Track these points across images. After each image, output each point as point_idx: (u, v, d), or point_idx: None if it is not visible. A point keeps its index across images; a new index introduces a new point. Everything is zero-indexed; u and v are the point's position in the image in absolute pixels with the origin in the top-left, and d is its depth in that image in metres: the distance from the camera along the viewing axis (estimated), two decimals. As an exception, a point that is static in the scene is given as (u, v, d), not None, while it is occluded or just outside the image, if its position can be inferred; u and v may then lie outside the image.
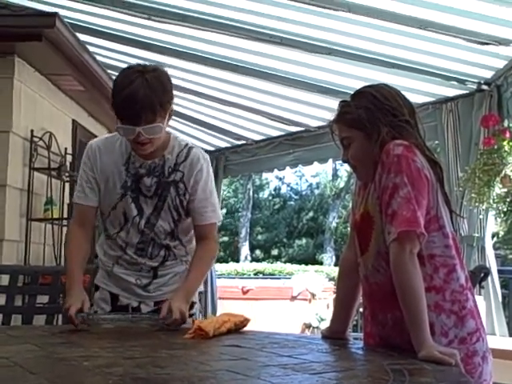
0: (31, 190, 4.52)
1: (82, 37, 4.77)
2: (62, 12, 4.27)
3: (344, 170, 27.24)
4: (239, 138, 7.16)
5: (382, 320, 1.77)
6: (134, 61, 5.16)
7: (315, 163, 6.65)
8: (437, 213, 1.74)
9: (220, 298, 7.93)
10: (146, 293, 2.33)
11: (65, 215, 4.95)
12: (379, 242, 1.74)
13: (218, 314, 4.77)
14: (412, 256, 1.64)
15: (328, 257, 24.62)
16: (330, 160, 6.99)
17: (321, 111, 5.84)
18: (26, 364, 1.41)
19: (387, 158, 1.72)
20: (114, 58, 5.70)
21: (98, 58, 5.10)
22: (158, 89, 2.07)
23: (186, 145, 2.31)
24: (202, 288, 2.44)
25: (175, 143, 2.29)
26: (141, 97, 2.03)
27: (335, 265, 20.91)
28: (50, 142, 4.79)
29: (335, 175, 27.79)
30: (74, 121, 5.58)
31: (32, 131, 4.55)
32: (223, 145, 7.50)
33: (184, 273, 2.35)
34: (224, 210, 26.99)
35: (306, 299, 9.09)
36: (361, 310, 2.00)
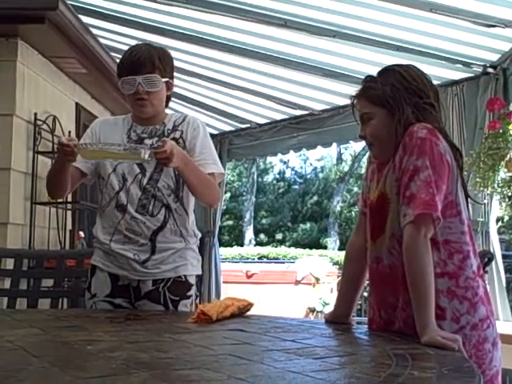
0: (35, 173, 4.53)
1: (86, 19, 4.75)
2: (64, -6, 4.24)
3: (348, 153, 27.21)
4: (243, 121, 7.14)
5: (392, 303, 1.77)
6: (137, 43, 5.12)
7: (319, 147, 6.63)
8: (455, 198, 1.74)
9: (224, 282, 7.97)
10: (145, 269, 2.33)
11: (69, 199, 4.96)
12: (394, 224, 1.74)
13: (221, 298, 4.79)
14: (425, 240, 1.64)
15: (332, 241, 24.66)
16: (334, 144, 6.96)
17: (325, 94, 5.82)
18: (29, 347, 1.42)
19: (410, 140, 1.71)
20: (117, 40, 5.68)
21: (102, 40, 5.07)
22: (159, 49, 2.37)
23: (182, 115, 2.51)
24: (199, 271, 2.46)
25: (172, 115, 2.48)
26: (142, 50, 2.33)
27: (339, 249, 20.96)
28: (53, 125, 4.79)
29: (340, 159, 27.75)
30: (77, 104, 5.57)
31: (35, 114, 4.55)
32: (227, 128, 7.48)
33: (184, 251, 2.37)
34: (228, 194, 27.03)
35: (309, 283, 9.12)
36: (365, 294, 2.00)
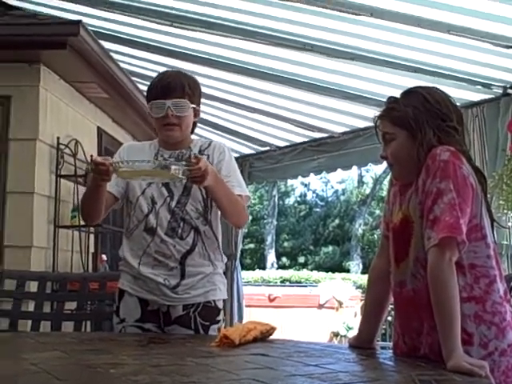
0: (58, 197, 4.59)
1: (106, 44, 4.83)
2: (85, 20, 4.33)
3: (369, 176, 27.11)
4: (263, 144, 7.16)
5: (416, 328, 1.75)
6: (158, 68, 5.23)
7: (339, 170, 6.62)
8: (480, 222, 1.72)
9: (246, 306, 7.93)
10: (175, 294, 2.33)
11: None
12: (418, 247, 1.73)
13: (244, 321, 4.77)
14: (450, 264, 1.62)
15: (355, 264, 24.48)
16: (355, 167, 6.94)
17: (345, 117, 5.82)
18: (53, 371, 1.43)
19: (433, 162, 1.71)
20: (138, 65, 5.75)
21: (122, 65, 5.15)
22: (189, 76, 2.44)
23: (207, 140, 2.57)
24: (226, 295, 2.47)
25: (197, 141, 2.52)
26: (173, 75, 2.40)
27: (362, 272, 20.80)
28: (75, 148, 4.85)
29: (361, 182, 27.68)
30: (98, 128, 5.65)
31: (58, 138, 4.63)
32: (247, 151, 7.51)
33: (212, 276, 2.39)
34: (250, 218, 26.93)
35: (333, 307, 9.04)
36: (389, 318, 1.99)
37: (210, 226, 2.41)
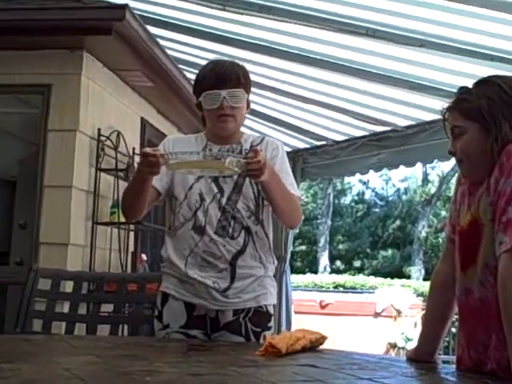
0: (97, 192, 4.66)
1: (153, 29, 4.88)
2: (131, 4, 4.37)
3: (435, 174, 26.71)
4: (318, 138, 7.12)
5: (483, 341, 1.71)
6: (206, 55, 5.25)
7: (401, 167, 6.53)
8: None
9: (295, 313, 7.93)
10: (225, 298, 2.34)
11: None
12: (488, 253, 1.69)
13: (292, 329, 4.76)
14: None
15: (416, 270, 24.19)
16: (419, 163, 6.85)
17: (410, 109, 5.74)
18: (86, 376, 1.45)
19: (508, 159, 1.66)
20: (185, 51, 5.80)
21: (169, 52, 5.20)
22: (241, 66, 2.47)
23: (259, 136, 2.60)
24: (274, 300, 2.46)
25: (248, 136, 2.55)
26: (226, 64, 2.42)
27: (424, 279, 20.53)
28: (117, 141, 4.92)
29: (425, 180, 27.28)
30: (142, 119, 5.71)
31: (99, 130, 4.69)
32: (301, 145, 7.49)
33: (263, 279, 2.40)
34: (302, 216, 26.89)
35: (390, 316, 8.99)
36: (453, 330, 1.95)
37: (262, 225, 2.42)
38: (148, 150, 2.16)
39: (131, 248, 5.33)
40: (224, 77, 2.37)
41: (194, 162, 2.19)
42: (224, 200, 2.37)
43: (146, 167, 2.17)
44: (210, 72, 2.41)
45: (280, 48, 5.23)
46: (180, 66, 5.44)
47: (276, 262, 2.51)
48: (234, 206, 2.37)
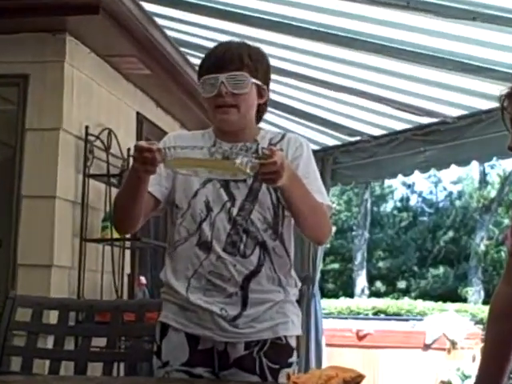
0: (86, 202, 4.68)
1: (148, 6, 4.89)
2: (123, -24, 4.39)
3: (495, 174, 26.55)
4: (352, 133, 7.12)
5: None
6: (214, 35, 5.26)
7: (453, 166, 6.51)
8: None
9: (327, 345, 7.90)
10: (235, 328, 2.33)
11: (127, 235, 5.08)
12: None
13: (323, 366, 4.74)
14: None
15: (474, 291, 24.04)
16: (475, 162, 6.82)
17: (462, 96, 5.72)
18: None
19: None
20: (189, 32, 5.81)
21: (169, 33, 5.22)
22: (252, 47, 2.47)
23: (280, 132, 2.56)
24: (300, 331, 2.46)
25: (267, 132, 2.54)
26: (230, 45, 2.44)
27: (484, 302, 20.38)
28: (109, 141, 4.95)
29: (483, 181, 27.13)
30: (138, 114, 5.74)
31: (87, 128, 4.73)
32: (330, 142, 7.48)
33: (283, 304, 2.39)
34: (333, 229, 26.77)
35: (443, 349, 8.94)
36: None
37: (282, 241, 2.41)
38: (142, 143, 2.13)
39: (127, 269, 5.35)
40: (223, 58, 2.38)
41: (197, 159, 2.14)
42: (235, 210, 2.36)
43: (141, 165, 2.14)
44: (210, 54, 2.43)
45: (302, 25, 5.23)
46: (183, 49, 5.46)
47: (299, 284, 2.49)
48: (248, 217, 2.36)
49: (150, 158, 2.11)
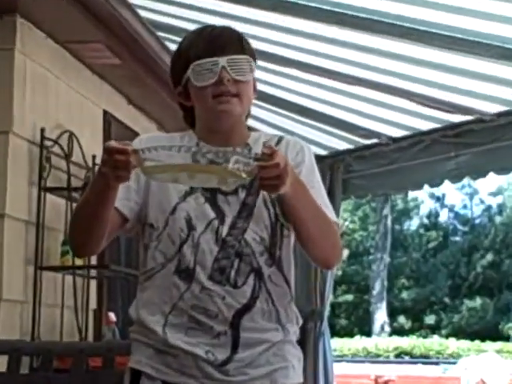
0: (42, 222, 4.66)
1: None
2: None
3: (544, 183, 26.61)
4: (368, 134, 7.12)
5: None
6: (198, 16, 5.28)
7: (491, 174, 6.51)
8: None
9: (340, 395, 7.90)
10: (224, 376, 2.31)
11: (93, 261, 5.05)
12: None
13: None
14: None
15: (519, 328, 24.05)
16: (519, 169, 6.83)
17: (502, 89, 5.73)
18: None
19: None
20: (166, 12, 5.82)
21: (143, 13, 5.21)
22: (239, 31, 2.47)
23: (276, 135, 2.57)
24: (300, 378, 2.45)
25: (260, 134, 2.55)
26: (222, 26, 2.46)
27: (531, 341, 20.35)
28: (70, 146, 4.94)
29: (530, 192, 27.21)
30: (106, 113, 5.76)
31: (42, 131, 4.72)
32: (342, 146, 7.48)
33: (281, 346, 2.38)
34: (345, 252, 26.69)
35: (481, 398, 8.94)
36: None
37: (279, 266, 2.40)
38: (114, 143, 2.07)
39: (93, 304, 5.33)
40: (222, 39, 2.40)
41: (183, 164, 2.13)
42: (225, 229, 2.34)
43: (111, 169, 2.08)
44: (199, 37, 2.43)
45: (304, 4, 5.25)
46: (160, 33, 5.46)
47: (301, 320, 2.47)
48: (241, 237, 2.34)
49: (124, 162, 2.05)
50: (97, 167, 4.89)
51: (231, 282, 2.32)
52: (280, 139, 2.49)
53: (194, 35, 2.46)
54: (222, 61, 2.34)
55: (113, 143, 2.07)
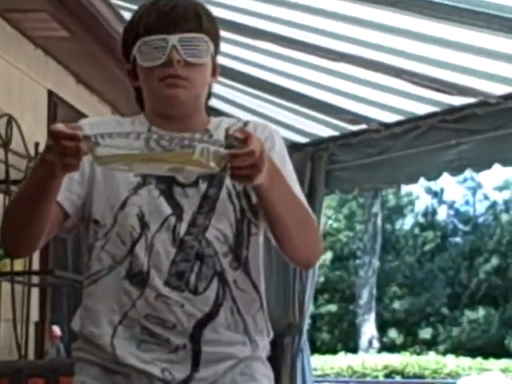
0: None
1: None
2: None
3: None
4: (354, 119, 7.15)
5: None
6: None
7: (497, 165, 6.55)
8: None
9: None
10: None
11: (35, 265, 5.05)
12: None
13: None
14: None
15: (528, 343, 24.24)
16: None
17: (510, 68, 5.76)
18: None
19: None
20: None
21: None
22: (201, 4, 2.48)
23: (240, 120, 2.62)
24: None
25: (221, 120, 2.57)
26: (178, 0, 2.42)
27: (541, 358, 20.51)
28: (8, 132, 4.94)
29: (540, 187, 27.40)
30: (51, 93, 5.75)
31: (-25, 114, 4.71)
32: (325, 133, 7.51)
33: (250, 363, 2.40)
34: (328, 255, 26.72)
35: (485, 424, 9.02)
36: None
37: (246, 270, 2.42)
38: (62, 127, 2.02)
39: (35, 316, 5.32)
40: (176, 12, 2.38)
41: (143, 154, 2.06)
42: (183, 227, 2.35)
43: (58, 157, 2.03)
44: (152, 7, 2.42)
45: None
46: (114, 0, 5.45)
47: (272, 333, 2.49)
48: (202, 237, 2.35)
49: (74, 148, 2.02)
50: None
51: (191, 287, 2.33)
52: (245, 124, 2.50)
53: (148, 4, 2.44)
54: (173, 39, 2.34)
55: (60, 126, 2.03)
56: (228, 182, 2.37)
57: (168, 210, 2.36)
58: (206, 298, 2.34)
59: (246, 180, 2.14)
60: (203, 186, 2.36)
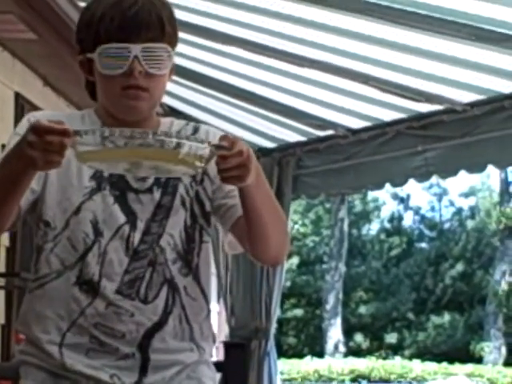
0: None
1: None
2: None
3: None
4: (322, 125, 7.15)
5: None
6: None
7: (463, 172, 6.57)
8: None
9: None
10: None
11: (1, 268, 5.02)
12: None
13: None
14: None
15: (492, 348, 24.30)
16: (491, 166, 6.87)
17: (479, 75, 5.77)
18: None
19: None
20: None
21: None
22: (164, 3, 2.42)
23: (189, 123, 2.57)
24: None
25: (171, 122, 2.55)
26: (146, 3, 2.34)
27: (506, 364, 20.60)
28: (-26, 134, 4.90)
29: (506, 193, 27.47)
30: (18, 95, 5.72)
31: None
32: (292, 138, 7.51)
33: (196, 367, 2.40)
34: (295, 260, 26.79)
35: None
36: None
37: (196, 277, 2.42)
38: (45, 122, 1.99)
39: (1, 318, 5.30)
40: (140, 19, 2.32)
41: (128, 150, 2.02)
42: (137, 236, 2.34)
43: (42, 153, 1.98)
44: (113, 9, 2.33)
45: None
46: (80, 3, 5.44)
47: (217, 339, 2.51)
48: (156, 245, 2.35)
49: (58, 144, 1.98)
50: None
51: (141, 296, 2.33)
52: (196, 129, 2.49)
53: (110, 4, 2.33)
54: (136, 49, 2.29)
55: (44, 122, 2.00)
56: (181, 189, 2.37)
57: (122, 219, 2.34)
58: (154, 307, 2.33)
59: (238, 181, 2.12)
60: (157, 195, 2.35)
